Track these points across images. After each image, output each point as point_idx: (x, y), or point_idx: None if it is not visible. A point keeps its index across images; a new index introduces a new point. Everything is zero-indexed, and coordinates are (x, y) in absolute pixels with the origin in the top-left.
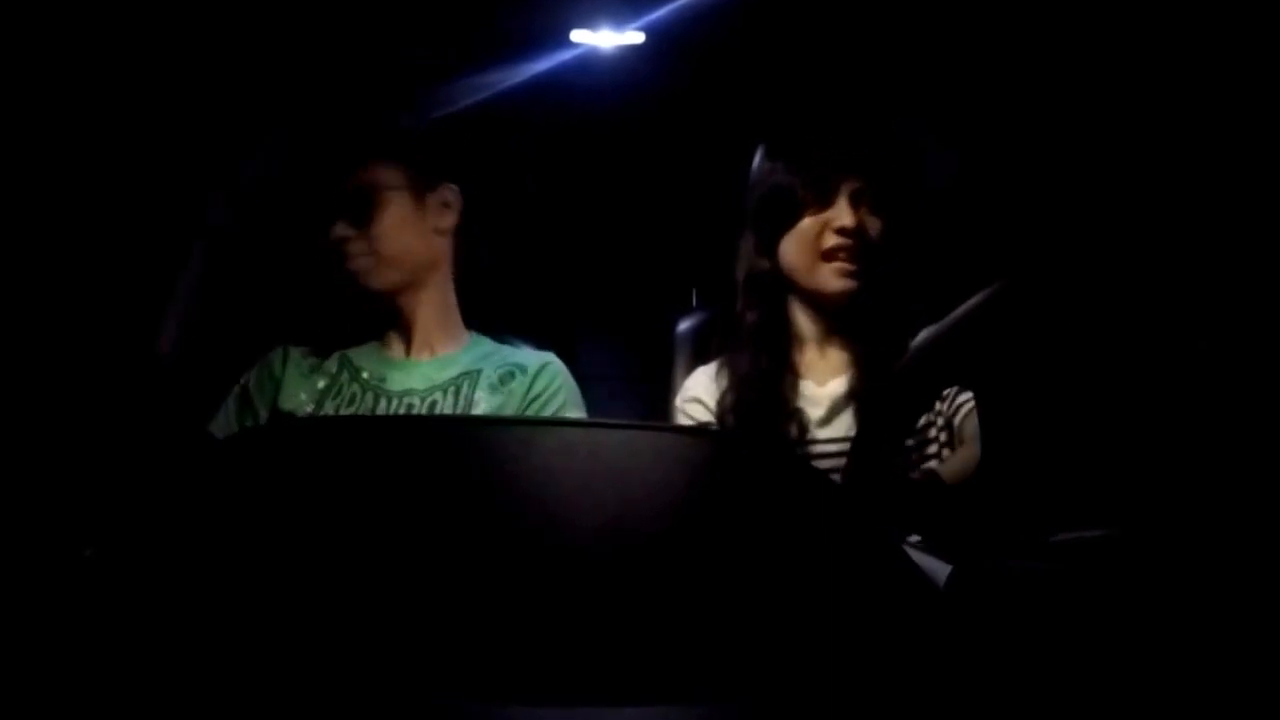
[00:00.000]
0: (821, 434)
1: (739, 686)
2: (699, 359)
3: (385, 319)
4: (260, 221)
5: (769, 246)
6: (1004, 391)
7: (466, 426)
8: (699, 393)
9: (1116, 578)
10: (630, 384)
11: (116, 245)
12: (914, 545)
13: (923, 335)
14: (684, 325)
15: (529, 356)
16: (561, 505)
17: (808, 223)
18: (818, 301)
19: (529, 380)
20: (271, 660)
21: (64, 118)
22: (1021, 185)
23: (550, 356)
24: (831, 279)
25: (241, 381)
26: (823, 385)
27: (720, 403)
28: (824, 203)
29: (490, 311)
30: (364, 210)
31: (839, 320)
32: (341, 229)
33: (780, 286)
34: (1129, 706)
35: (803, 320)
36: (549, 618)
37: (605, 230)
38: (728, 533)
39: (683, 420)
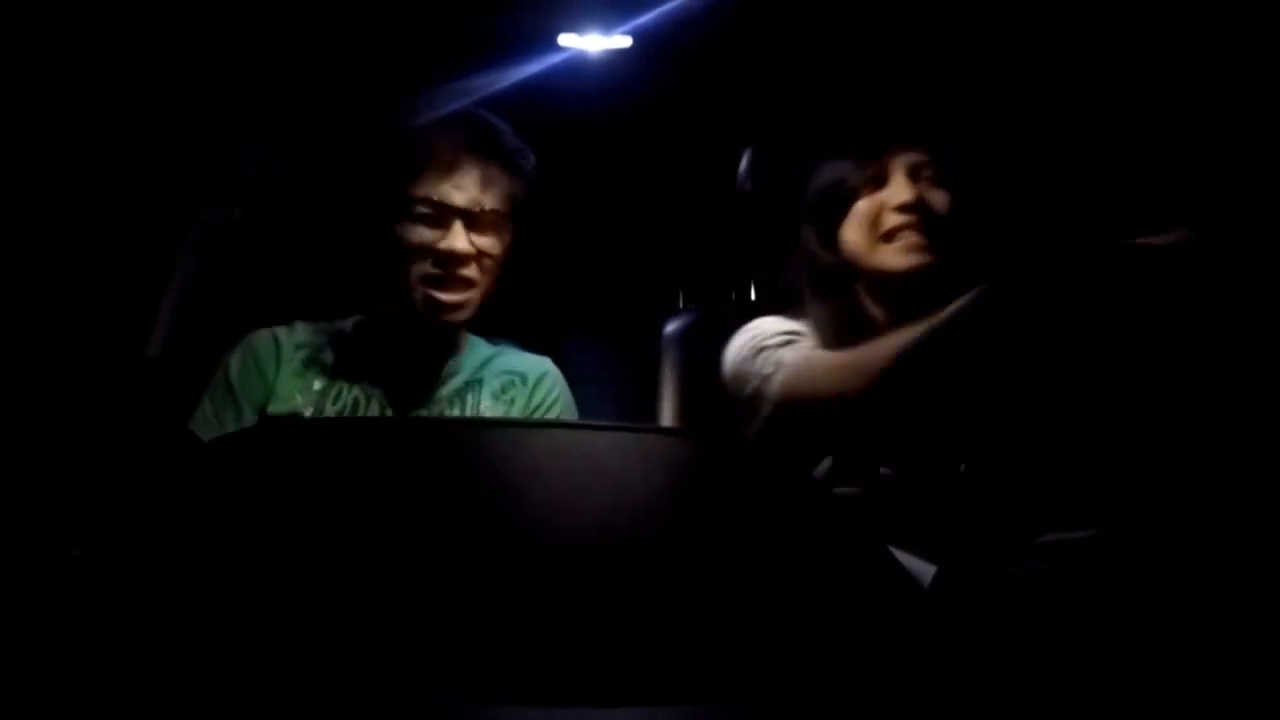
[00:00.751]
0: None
1: (728, 686)
2: (687, 360)
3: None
4: (262, 221)
5: (829, 237)
6: (991, 393)
7: (458, 428)
8: (777, 325)
9: (1101, 578)
10: (618, 386)
11: (107, 244)
12: (899, 546)
13: (919, 332)
14: (671, 327)
15: (525, 363)
16: (552, 506)
17: (864, 205)
18: (885, 285)
19: (529, 390)
20: (264, 661)
21: (60, 117)
22: (1013, 185)
23: (546, 364)
24: (895, 257)
25: (223, 372)
26: None
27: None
28: (879, 183)
29: (480, 314)
30: (486, 228)
31: (911, 305)
32: (461, 242)
33: (846, 277)
34: (1113, 705)
35: (874, 311)
36: (541, 618)
37: (593, 233)
38: (716, 533)
39: (766, 335)
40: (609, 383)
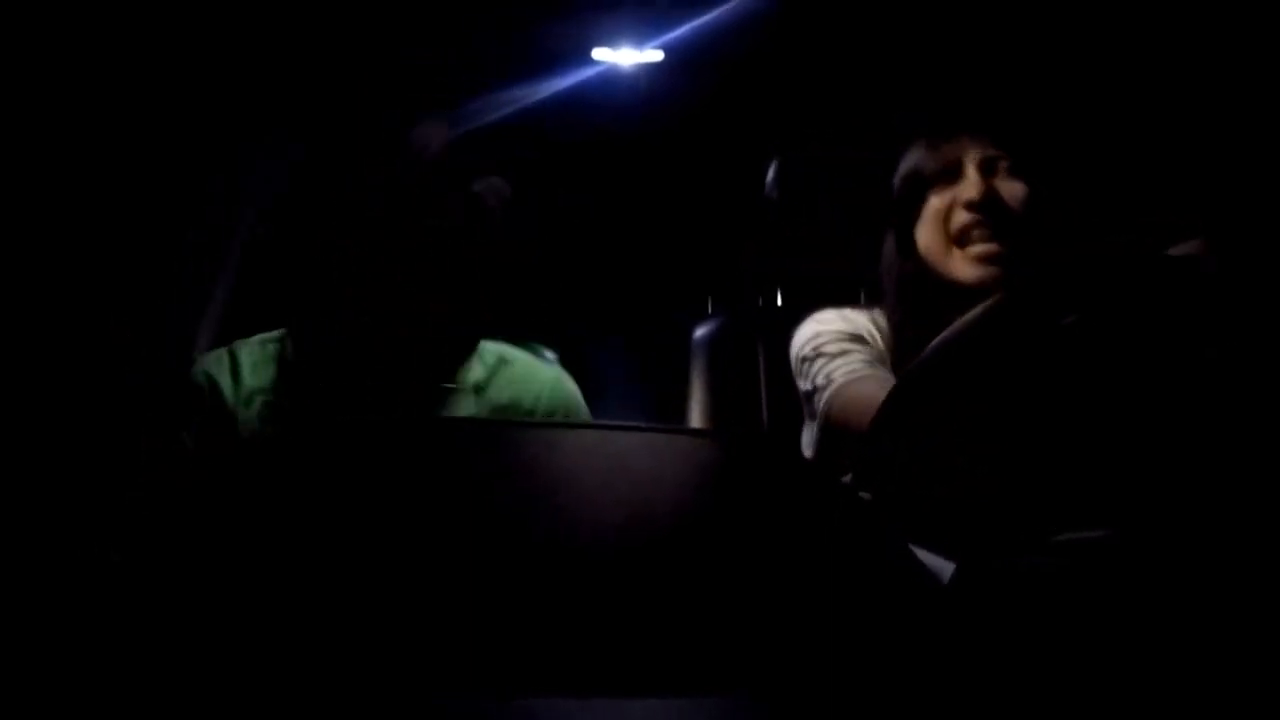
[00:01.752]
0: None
1: (748, 681)
2: (715, 364)
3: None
4: (279, 229)
5: (907, 242)
6: (1010, 393)
7: (489, 429)
8: (842, 326)
9: (1120, 577)
10: (648, 389)
11: (147, 251)
12: (919, 544)
13: (934, 342)
14: (700, 332)
15: (530, 384)
16: (578, 505)
17: (936, 202)
18: (961, 298)
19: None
20: (294, 660)
21: (64, 118)
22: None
23: (552, 383)
24: (966, 268)
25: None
26: None
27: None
28: (952, 176)
29: (510, 318)
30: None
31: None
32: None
33: (926, 285)
34: (1132, 704)
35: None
36: (564, 614)
37: (624, 239)
38: (739, 531)
39: (834, 346)
40: (638, 386)
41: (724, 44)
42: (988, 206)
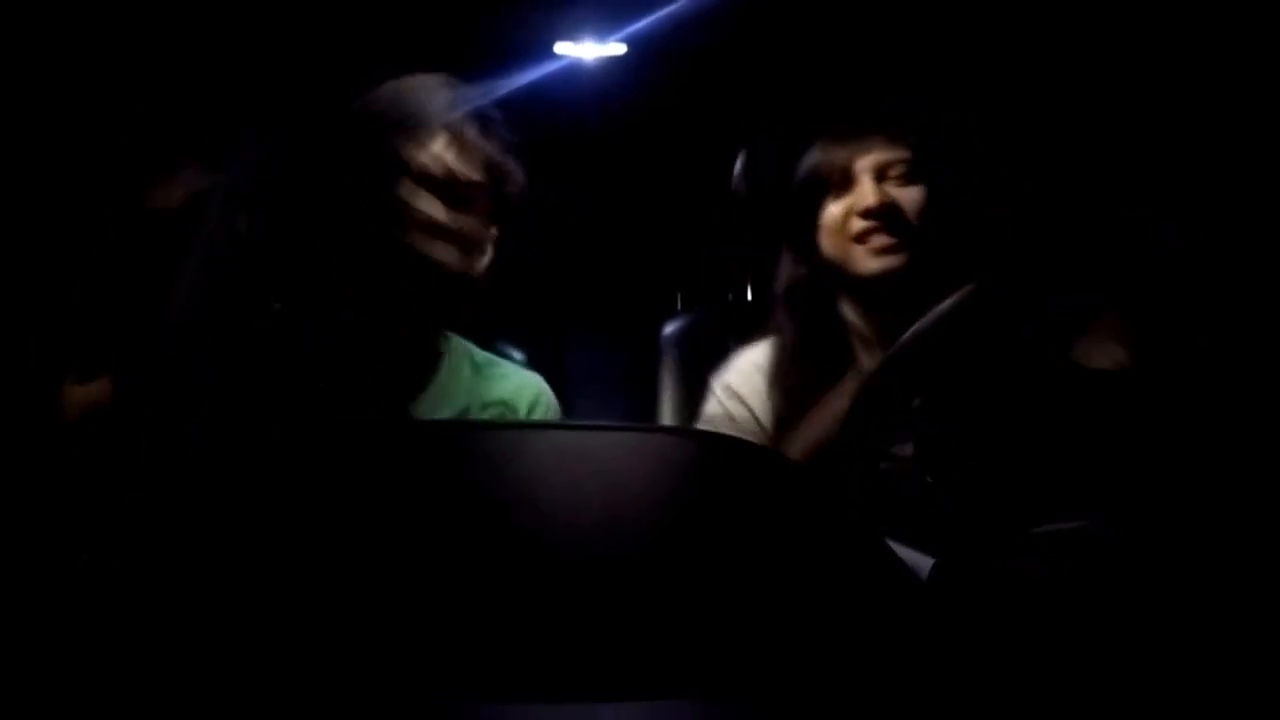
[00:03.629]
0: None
1: (728, 682)
2: (685, 360)
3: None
4: (267, 226)
5: (804, 249)
6: (985, 386)
7: (459, 431)
8: (743, 390)
9: (1100, 570)
10: (618, 386)
11: (143, 249)
12: (897, 539)
13: (908, 334)
14: (670, 329)
15: (514, 386)
16: (554, 506)
17: (832, 210)
18: (863, 291)
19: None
20: (270, 663)
21: (57, 114)
22: (1004, 177)
23: (535, 386)
24: (867, 260)
25: None
26: None
27: (765, 410)
28: (845, 186)
29: (481, 319)
30: (456, 196)
31: (895, 311)
32: (439, 211)
33: (823, 289)
34: (1113, 700)
35: (856, 321)
36: (543, 617)
37: (591, 237)
38: (715, 530)
39: (718, 407)
40: (609, 383)
41: (687, 37)
42: (883, 213)
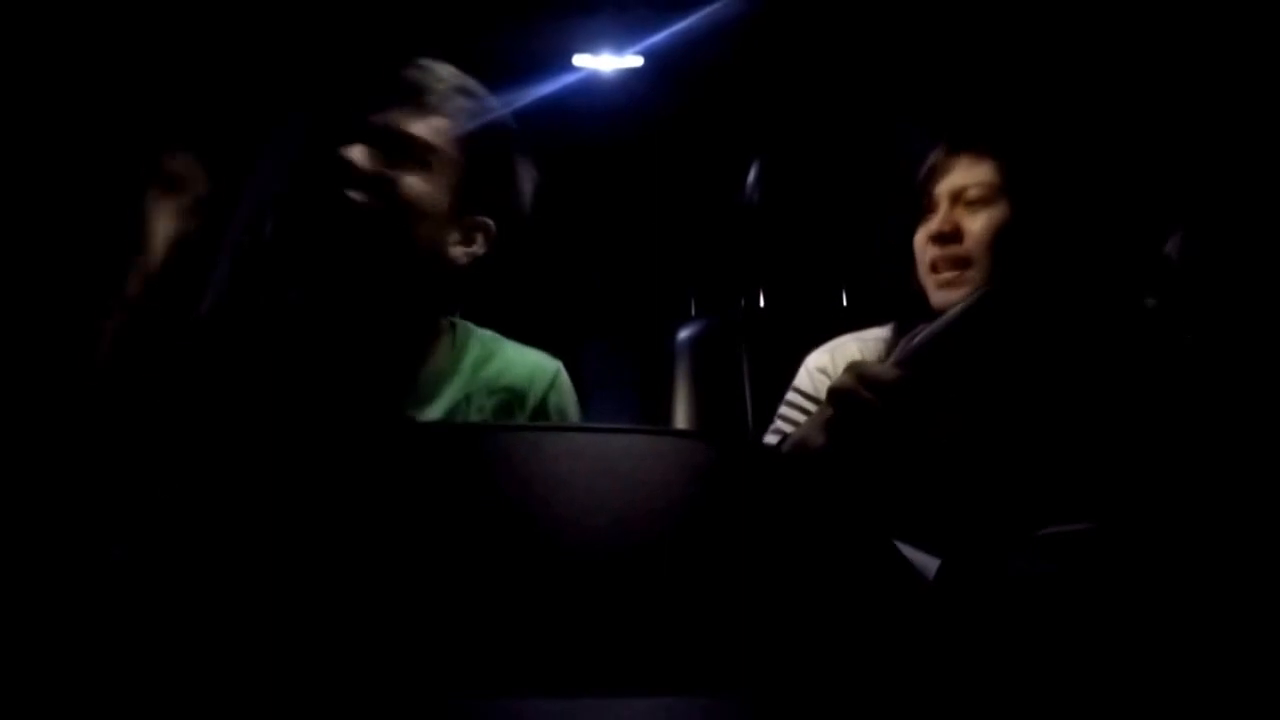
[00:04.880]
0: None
1: (735, 680)
2: (698, 365)
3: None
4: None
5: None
6: (992, 388)
7: (475, 433)
8: (834, 372)
9: (1105, 572)
10: (632, 391)
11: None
12: (904, 540)
13: (918, 339)
14: (684, 334)
15: (525, 370)
16: (568, 507)
17: (919, 236)
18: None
19: (527, 415)
20: (287, 661)
21: (74, 111)
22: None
23: (549, 370)
24: (935, 293)
25: None
26: None
27: None
28: (929, 210)
29: (497, 322)
30: (395, 150)
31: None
32: (360, 156)
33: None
34: (1117, 701)
35: None
36: (557, 615)
37: (608, 244)
38: (726, 532)
39: (800, 381)
40: (623, 388)
41: (704, 49)
42: (948, 238)
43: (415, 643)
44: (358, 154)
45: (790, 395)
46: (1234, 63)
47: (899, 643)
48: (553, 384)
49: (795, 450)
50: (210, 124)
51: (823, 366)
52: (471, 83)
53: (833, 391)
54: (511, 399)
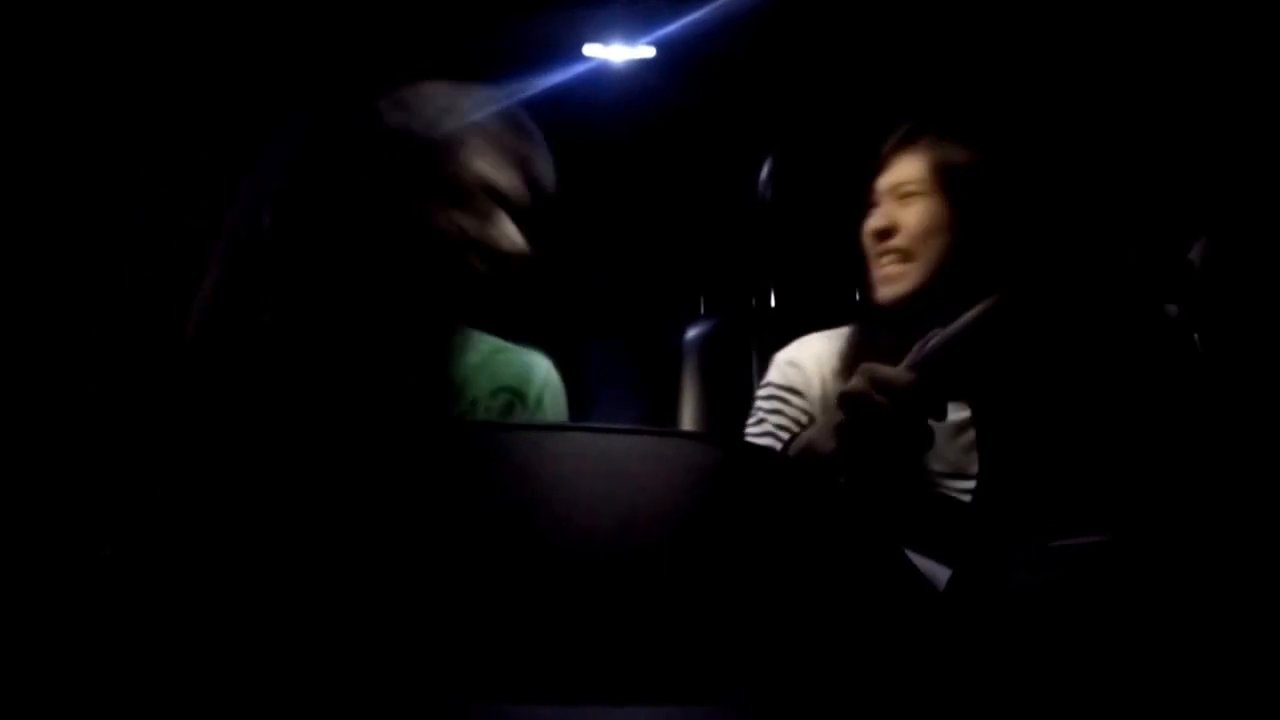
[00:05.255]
0: (933, 468)
1: (743, 687)
2: (707, 365)
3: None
4: (293, 219)
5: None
6: (1003, 400)
7: (478, 431)
8: (806, 365)
9: (1117, 583)
10: (639, 390)
11: (137, 240)
12: (915, 549)
13: (931, 343)
14: (692, 333)
15: (521, 370)
16: (572, 508)
17: (864, 234)
18: (883, 318)
19: (529, 413)
20: (290, 662)
21: (88, 110)
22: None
23: (542, 368)
24: (878, 289)
25: None
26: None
27: (827, 396)
28: (872, 206)
29: (502, 318)
30: (483, 209)
31: (909, 331)
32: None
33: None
34: (1126, 712)
35: (884, 340)
36: (559, 619)
37: (616, 239)
38: (732, 535)
39: (773, 375)
40: (630, 387)
41: (716, 41)
42: (885, 233)
43: (413, 645)
44: (468, 222)
45: (763, 390)
46: (1264, 70)
47: (908, 652)
48: (545, 383)
49: (803, 454)
50: (211, 122)
51: (790, 359)
52: (520, 111)
53: (844, 395)
54: (514, 398)
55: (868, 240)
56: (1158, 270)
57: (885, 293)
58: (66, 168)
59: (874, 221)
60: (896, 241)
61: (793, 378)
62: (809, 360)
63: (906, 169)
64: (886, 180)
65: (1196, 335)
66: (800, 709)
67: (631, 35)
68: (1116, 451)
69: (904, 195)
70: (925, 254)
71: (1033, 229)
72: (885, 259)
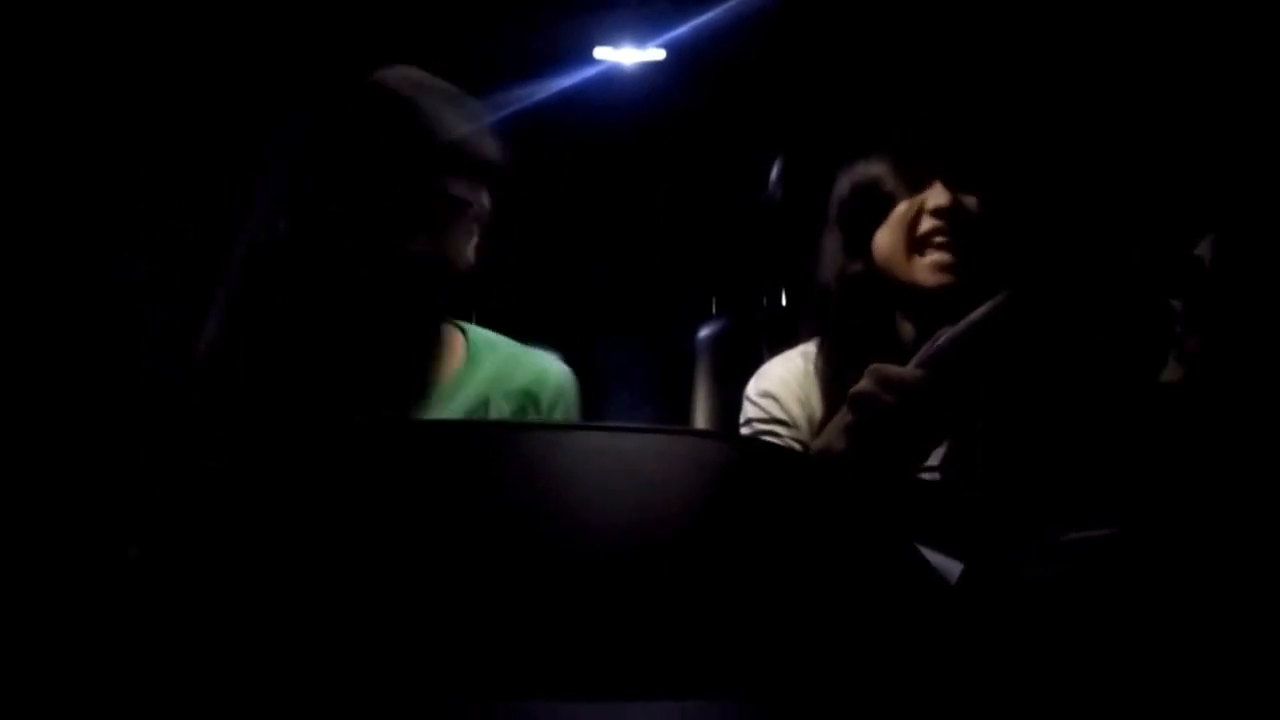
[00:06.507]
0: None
1: (755, 683)
2: (719, 364)
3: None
4: (302, 226)
5: (860, 244)
6: (1014, 394)
7: (492, 430)
8: (782, 395)
9: (1128, 577)
10: (653, 389)
11: (154, 245)
12: (927, 544)
13: (940, 341)
14: (705, 332)
15: (535, 372)
16: (585, 507)
17: (902, 209)
18: (917, 302)
19: (544, 415)
20: (299, 662)
21: (101, 112)
22: (1035, 192)
23: (554, 370)
24: (927, 273)
25: None
26: None
27: (810, 419)
28: (918, 186)
29: (515, 319)
30: (441, 226)
31: (939, 322)
32: (421, 245)
33: (876, 290)
34: (1138, 705)
35: (905, 329)
36: (573, 616)
37: (628, 239)
38: (745, 534)
39: (754, 413)
40: (643, 386)
41: (727, 43)
42: (953, 214)
43: (424, 642)
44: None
45: (745, 429)
46: (1268, 69)
47: (921, 647)
48: (561, 390)
49: (818, 457)
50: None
51: (763, 392)
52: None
53: (854, 395)
54: (528, 402)
55: (918, 217)
56: (1162, 268)
57: (936, 279)
58: (66, 168)
59: (937, 198)
60: (955, 226)
61: (773, 410)
62: (778, 387)
63: (960, 157)
64: (945, 162)
65: (1203, 330)
66: (813, 704)
67: (642, 38)
68: (1127, 445)
69: (963, 181)
70: (971, 250)
71: (1040, 227)
72: (939, 239)
